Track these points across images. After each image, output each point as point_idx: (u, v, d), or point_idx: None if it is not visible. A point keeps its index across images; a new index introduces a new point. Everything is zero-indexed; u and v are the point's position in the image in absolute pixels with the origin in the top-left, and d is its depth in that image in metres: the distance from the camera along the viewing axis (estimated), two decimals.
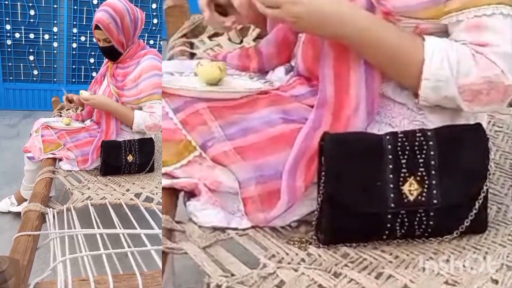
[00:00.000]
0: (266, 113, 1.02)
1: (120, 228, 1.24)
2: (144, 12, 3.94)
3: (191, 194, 1.03)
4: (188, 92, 1.03)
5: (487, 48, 0.89)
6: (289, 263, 0.91)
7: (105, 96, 2.19)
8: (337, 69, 1.00)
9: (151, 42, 4.28)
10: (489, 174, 0.92)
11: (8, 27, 3.96)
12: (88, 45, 4.20)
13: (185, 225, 0.98)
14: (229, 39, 1.14)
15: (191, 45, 1.58)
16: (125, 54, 2.13)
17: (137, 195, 1.69)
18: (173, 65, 1.23)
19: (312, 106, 1.02)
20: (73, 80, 4.33)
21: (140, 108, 2.11)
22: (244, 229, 0.99)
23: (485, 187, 0.92)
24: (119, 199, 1.60)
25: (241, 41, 1.14)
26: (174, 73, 1.15)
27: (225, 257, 0.90)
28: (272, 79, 1.17)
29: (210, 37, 1.61)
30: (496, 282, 0.83)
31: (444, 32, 0.94)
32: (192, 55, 1.52)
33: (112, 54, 2.15)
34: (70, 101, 2.34)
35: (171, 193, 1.02)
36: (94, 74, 4.25)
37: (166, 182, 1.00)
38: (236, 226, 0.99)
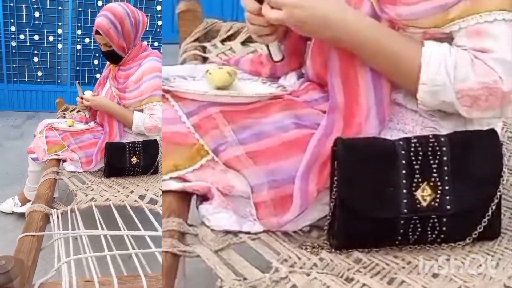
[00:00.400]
0: (279, 118, 1.02)
1: (124, 230, 1.24)
2: (149, 14, 4.02)
3: (204, 197, 1.03)
4: (201, 96, 1.04)
5: (487, 54, 0.89)
6: (301, 268, 0.91)
7: (105, 98, 2.22)
8: (345, 77, 1.00)
9: (156, 44, 4.29)
10: (503, 180, 0.92)
11: (13, 28, 3.98)
12: (92, 47, 4.22)
13: (198, 228, 0.98)
14: (270, 55, 1.13)
15: (204, 49, 1.59)
16: (126, 56, 2.14)
17: (141, 197, 1.69)
18: (186, 69, 1.23)
19: (324, 112, 1.02)
20: (77, 81, 4.34)
21: (142, 110, 2.11)
22: (256, 233, 0.99)
23: (498, 193, 0.92)
24: (123, 200, 1.60)
25: (282, 58, 1.13)
26: (187, 77, 1.16)
27: (238, 261, 0.90)
28: (285, 84, 1.17)
29: (222, 41, 1.61)
30: None
31: (452, 38, 0.95)
32: (204, 59, 1.52)
33: (114, 57, 2.16)
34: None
35: (183, 196, 1.01)
36: (98, 75, 4.27)
37: (178, 185, 1.00)
38: (248, 230, 0.99)
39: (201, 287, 1.17)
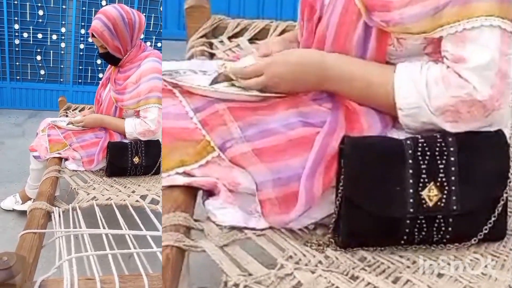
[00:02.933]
0: (286, 115, 1.02)
1: (126, 229, 1.23)
2: (153, 15, 4.02)
3: (210, 193, 1.04)
4: (208, 92, 1.04)
5: (461, 65, 0.89)
6: (306, 265, 0.91)
7: (93, 114, 2.25)
8: None
9: (159, 44, 4.29)
10: (509, 181, 0.92)
11: (16, 26, 3.99)
12: (95, 46, 4.19)
13: (203, 223, 0.98)
14: None
15: (211, 46, 1.59)
16: (125, 58, 2.14)
17: (143, 197, 1.68)
18: (196, 64, 1.23)
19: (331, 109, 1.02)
20: (80, 80, 4.35)
21: (139, 112, 2.11)
22: (261, 230, 0.99)
23: (505, 194, 0.92)
24: (124, 200, 1.60)
25: None
26: (197, 72, 1.16)
27: (243, 257, 0.90)
28: None
29: (229, 38, 1.62)
30: None
31: None
32: (211, 56, 1.53)
33: (111, 59, 2.17)
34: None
35: (189, 191, 1.01)
36: (100, 75, 4.27)
37: (184, 180, 1.00)
38: (254, 226, 0.99)
39: (202, 282, 1.18)
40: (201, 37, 1.58)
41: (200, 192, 1.05)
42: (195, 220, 0.97)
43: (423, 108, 0.91)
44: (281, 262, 0.90)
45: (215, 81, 1.09)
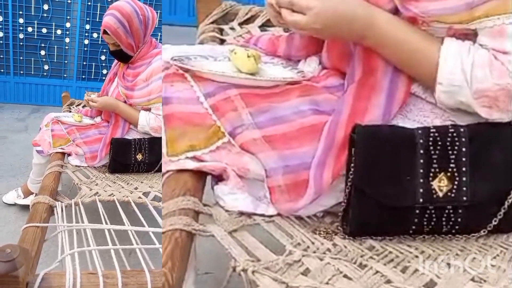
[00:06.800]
0: (297, 103, 1.02)
1: (128, 225, 1.23)
2: (159, 11, 4.01)
3: (219, 178, 1.03)
4: (220, 77, 1.04)
5: (506, 56, 0.88)
6: (314, 252, 0.90)
7: (110, 98, 2.19)
8: (365, 68, 1.00)
9: None
10: None
11: (21, 20, 3.99)
12: (100, 42, 4.22)
13: (212, 208, 0.98)
14: None
15: (221, 32, 1.58)
16: (136, 55, 2.11)
17: (145, 194, 1.68)
18: (207, 49, 1.23)
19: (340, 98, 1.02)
20: (83, 76, 4.35)
21: (149, 109, 2.10)
22: (270, 216, 0.99)
23: None
24: (127, 196, 1.59)
25: None
26: (208, 57, 1.16)
27: (251, 242, 0.90)
28: (305, 69, 1.17)
29: (240, 24, 1.61)
30: None
31: (477, 35, 0.94)
32: (222, 42, 1.52)
33: (123, 57, 2.13)
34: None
35: (199, 176, 1.01)
36: (104, 71, 4.28)
37: (194, 164, 1.00)
38: (262, 212, 0.99)
39: (208, 268, 1.17)
40: (212, 23, 1.57)
41: (209, 178, 1.05)
42: (204, 205, 0.97)
43: (464, 88, 0.89)
44: (290, 249, 0.89)
45: None
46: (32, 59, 4.17)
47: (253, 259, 0.84)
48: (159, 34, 4.17)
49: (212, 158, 1.01)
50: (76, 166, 2.05)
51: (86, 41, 4.23)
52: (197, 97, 1.03)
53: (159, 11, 4.14)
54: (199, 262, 1.02)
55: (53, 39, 4.15)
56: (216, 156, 1.01)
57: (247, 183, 1.02)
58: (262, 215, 0.99)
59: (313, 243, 0.93)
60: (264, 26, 1.59)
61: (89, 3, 4.08)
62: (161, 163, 2.12)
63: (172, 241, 0.85)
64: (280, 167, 0.98)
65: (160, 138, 2.09)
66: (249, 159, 1.00)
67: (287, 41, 1.23)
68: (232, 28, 1.60)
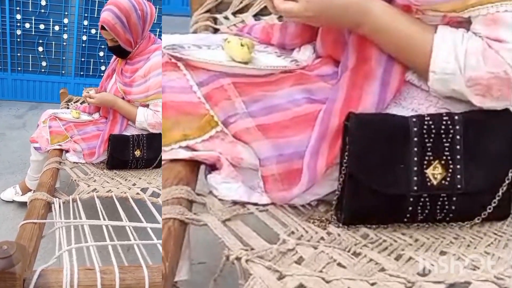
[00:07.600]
0: (291, 92, 1.02)
1: (126, 221, 1.23)
2: (157, 7, 4.00)
3: (212, 167, 1.03)
4: (213, 66, 1.03)
5: (500, 44, 0.87)
6: (308, 241, 0.91)
7: (108, 94, 2.18)
8: (358, 56, 0.99)
9: None
10: None
11: (18, 16, 3.95)
12: (98, 38, 4.19)
13: (205, 197, 0.98)
14: None
15: (215, 21, 1.57)
16: (134, 51, 2.08)
17: (143, 190, 1.67)
18: (200, 38, 1.22)
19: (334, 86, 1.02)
20: (81, 73, 4.31)
21: (147, 105, 2.09)
22: (264, 205, 0.99)
23: (510, 174, 0.92)
24: (125, 192, 1.59)
25: None
26: (202, 46, 1.15)
27: (245, 231, 0.90)
28: (299, 58, 1.16)
29: (234, 13, 1.60)
30: None
31: (471, 23, 0.94)
32: (215, 31, 1.51)
33: (121, 52, 2.10)
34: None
35: (192, 165, 1.01)
36: (103, 67, 4.25)
37: (187, 154, 1.00)
38: (256, 201, 0.99)
39: (202, 258, 1.16)
40: (205, 12, 1.56)
41: (203, 167, 1.05)
42: (198, 194, 0.97)
43: (457, 76, 0.89)
44: (283, 237, 0.90)
45: None
46: (30, 55, 4.12)
47: (246, 248, 0.84)
48: (158, 30, 4.17)
49: (205, 147, 1.01)
50: (74, 162, 2.04)
51: (84, 37, 4.19)
52: (190, 86, 1.02)
53: (158, 7, 4.16)
54: (193, 251, 1.01)
55: (51, 35, 4.11)
56: (210, 145, 1.01)
57: (240, 172, 1.01)
58: (256, 204, 0.99)
59: (307, 231, 0.93)
60: (258, 15, 1.58)
61: None
62: (159, 160, 2.13)
63: (165, 230, 0.84)
64: (274, 156, 0.97)
65: (158, 134, 2.10)
66: (242, 148, 0.99)
67: (281, 29, 1.22)
68: (226, 18, 1.59)
